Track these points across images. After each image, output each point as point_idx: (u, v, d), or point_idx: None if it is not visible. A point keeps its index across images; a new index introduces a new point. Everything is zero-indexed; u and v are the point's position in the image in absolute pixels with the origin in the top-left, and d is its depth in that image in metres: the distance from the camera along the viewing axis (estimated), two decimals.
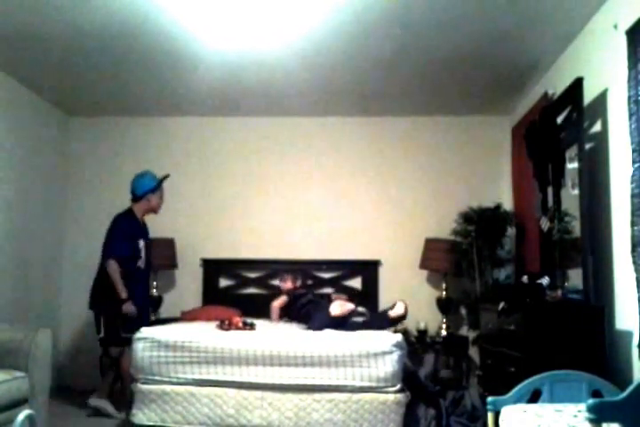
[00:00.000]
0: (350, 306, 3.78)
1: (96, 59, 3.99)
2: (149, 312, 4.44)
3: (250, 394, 3.28)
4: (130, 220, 4.15)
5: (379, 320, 3.87)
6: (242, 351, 3.29)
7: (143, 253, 4.15)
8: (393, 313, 3.83)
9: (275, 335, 3.51)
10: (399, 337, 3.36)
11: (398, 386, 3.21)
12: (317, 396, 3.22)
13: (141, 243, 4.15)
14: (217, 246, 5.20)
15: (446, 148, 5.19)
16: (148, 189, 4.17)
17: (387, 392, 3.20)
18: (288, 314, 4.41)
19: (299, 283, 4.72)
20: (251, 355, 3.28)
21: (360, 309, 4.34)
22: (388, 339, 3.31)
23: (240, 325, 3.71)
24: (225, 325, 3.70)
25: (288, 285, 4.67)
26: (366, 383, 3.20)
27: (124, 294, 3.93)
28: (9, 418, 2.59)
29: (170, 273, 5.18)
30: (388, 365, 3.20)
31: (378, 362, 3.20)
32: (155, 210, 4.27)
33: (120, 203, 5.31)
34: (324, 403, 3.21)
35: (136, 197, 4.19)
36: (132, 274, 4.06)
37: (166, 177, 4.32)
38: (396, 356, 3.22)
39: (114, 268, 3.96)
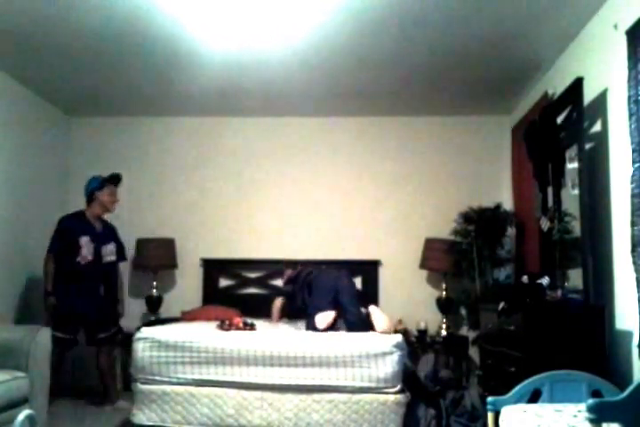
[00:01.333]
0: (332, 314, 3.74)
1: (96, 59, 3.99)
2: (98, 312, 4.26)
3: (250, 394, 3.27)
4: (71, 219, 4.29)
5: (364, 327, 3.76)
6: (242, 352, 3.29)
7: (86, 250, 4.20)
8: (379, 329, 3.69)
9: (275, 336, 3.50)
10: (399, 338, 3.35)
11: (398, 387, 3.21)
12: (317, 396, 3.22)
13: (84, 239, 4.20)
14: (217, 246, 5.20)
15: (446, 148, 5.19)
16: (93, 187, 4.31)
17: (387, 393, 3.20)
18: (292, 298, 4.33)
19: (299, 268, 4.60)
20: (251, 355, 3.28)
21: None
22: (388, 340, 3.30)
23: (240, 325, 3.70)
24: (225, 325, 3.69)
25: (289, 273, 4.59)
26: (366, 384, 3.19)
27: (48, 287, 4.10)
28: (9, 418, 2.59)
29: (170, 273, 5.18)
30: (389, 365, 3.19)
31: (378, 363, 3.20)
32: (107, 207, 4.36)
33: (120, 202, 5.31)
34: (324, 403, 3.21)
35: (87, 199, 4.35)
36: (69, 269, 4.16)
37: (114, 176, 4.40)
38: (396, 357, 3.21)
39: (47, 263, 4.15)
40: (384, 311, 4.00)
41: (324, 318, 3.71)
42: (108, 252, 4.36)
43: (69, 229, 4.23)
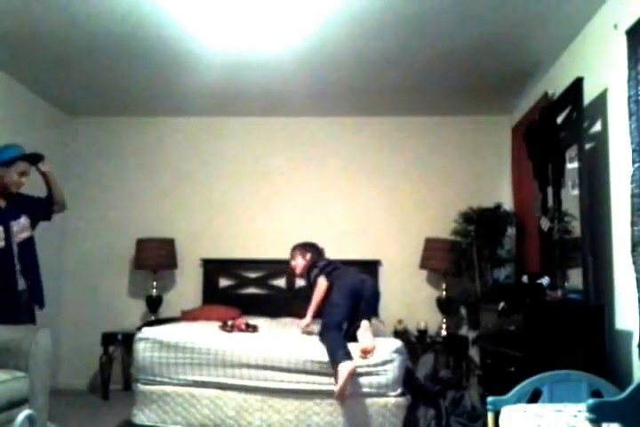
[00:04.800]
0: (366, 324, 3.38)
1: (97, 59, 3.99)
2: (19, 314, 3.37)
3: (251, 396, 3.26)
4: None
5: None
6: (243, 354, 3.27)
7: None
8: (361, 348, 3.22)
9: (277, 340, 3.47)
10: (399, 344, 3.31)
11: (399, 390, 3.19)
12: (318, 399, 3.20)
13: None
14: (217, 246, 5.20)
15: (446, 148, 5.19)
16: (0, 161, 3.41)
17: (387, 396, 3.18)
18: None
19: (308, 256, 3.97)
20: (252, 358, 3.26)
21: None
22: (388, 346, 3.25)
23: (242, 327, 3.69)
24: (227, 327, 3.68)
25: (297, 262, 3.98)
26: (367, 390, 3.16)
27: None
28: (9, 418, 2.59)
29: (170, 273, 5.18)
30: (390, 372, 3.16)
31: (379, 370, 3.16)
32: (7, 187, 3.43)
33: (121, 202, 5.32)
34: (325, 406, 3.18)
35: None
36: None
37: (36, 156, 3.54)
38: (396, 362, 3.18)
39: None
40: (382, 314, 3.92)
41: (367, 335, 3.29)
42: (21, 227, 3.46)
43: None
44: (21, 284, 3.40)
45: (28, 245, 3.52)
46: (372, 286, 3.62)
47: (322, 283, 3.65)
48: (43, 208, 3.64)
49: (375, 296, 3.59)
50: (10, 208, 3.48)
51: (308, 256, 3.96)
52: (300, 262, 3.98)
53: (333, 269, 3.74)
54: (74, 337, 5.09)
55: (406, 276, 5.04)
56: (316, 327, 3.55)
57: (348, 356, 3.11)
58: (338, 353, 3.13)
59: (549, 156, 3.50)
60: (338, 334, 3.30)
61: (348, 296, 3.45)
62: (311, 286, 3.80)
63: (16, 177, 3.42)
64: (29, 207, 3.56)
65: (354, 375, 3.09)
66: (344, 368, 3.03)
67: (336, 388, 3.07)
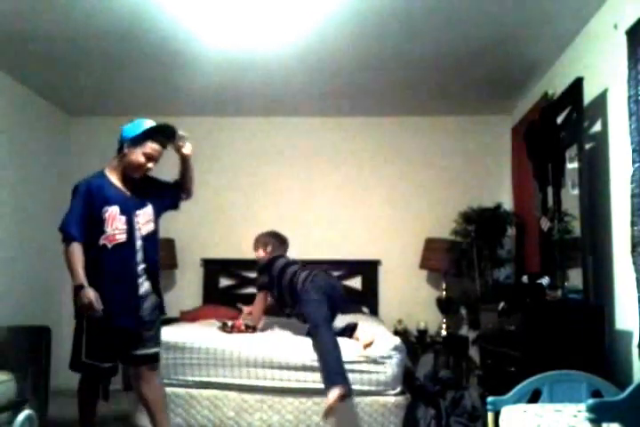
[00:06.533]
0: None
1: (96, 59, 3.99)
2: (139, 321, 2.85)
3: (250, 397, 3.26)
4: (93, 184, 2.83)
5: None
6: (243, 354, 3.27)
7: (113, 226, 2.78)
8: (363, 343, 3.27)
9: (276, 339, 3.48)
10: (397, 341, 3.32)
11: (398, 389, 3.20)
12: (317, 399, 3.20)
13: (110, 211, 2.78)
14: (217, 246, 5.20)
15: (446, 148, 5.19)
16: (126, 138, 2.86)
17: (387, 395, 3.18)
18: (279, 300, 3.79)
19: (269, 249, 3.93)
20: (251, 358, 3.26)
21: None
22: (386, 343, 3.27)
23: (242, 328, 3.69)
24: (227, 327, 3.68)
25: (259, 254, 4.00)
26: (366, 387, 3.17)
27: (77, 280, 2.68)
28: (9, 418, 2.59)
29: (170, 273, 5.18)
30: (389, 369, 3.17)
31: (378, 367, 3.17)
32: (132, 168, 2.88)
33: None
34: (325, 406, 3.18)
35: (118, 151, 2.91)
36: (96, 257, 2.76)
37: (166, 129, 3.00)
38: (395, 360, 3.19)
39: (69, 253, 2.82)
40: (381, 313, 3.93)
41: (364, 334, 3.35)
42: (147, 218, 2.95)
43: (87, 198, 2.79)
44: (144, 286, 2.88)
45: (154, 239, 2.98)
46: (341, 295, 3.70)
47: (260, 296, 3.77)
48: (172, 195, 3.16)
49: (344, 299, 3.72)
50: (134, 195, 2.93)
51: (269, 249, 3.95)
52: (261, 255, 3.98)
53: (293, 275, 3.63)
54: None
55: (406, 276, 5.04)
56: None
57: (343, 378, 3.06)
58: (332, 374, 3.08)
59: (549, 156, 3.50)
60: (331, 337, 3.23)
61: (322, 295, 3.45)
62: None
63: (142, 159, 2.85)
64: (156, 193, 3.05)
65: (346, 396, 3.03)
66: (334, 393, 2.98)
67: (324, 405, 3.04)
